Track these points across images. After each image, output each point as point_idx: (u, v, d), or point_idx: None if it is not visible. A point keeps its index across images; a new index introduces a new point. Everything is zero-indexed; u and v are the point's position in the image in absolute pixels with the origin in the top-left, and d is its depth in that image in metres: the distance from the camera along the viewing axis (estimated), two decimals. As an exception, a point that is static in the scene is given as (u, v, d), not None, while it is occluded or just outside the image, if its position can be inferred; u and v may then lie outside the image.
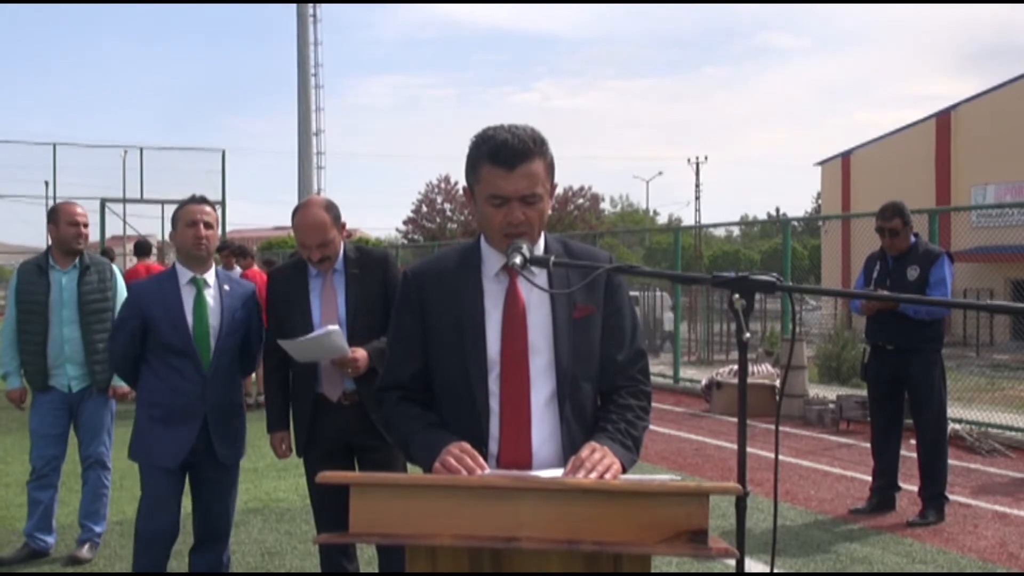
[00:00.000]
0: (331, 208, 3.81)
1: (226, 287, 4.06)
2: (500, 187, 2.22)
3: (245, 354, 4.16)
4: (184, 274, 4.00)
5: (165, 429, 3.91)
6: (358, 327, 3.73)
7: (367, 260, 3.87)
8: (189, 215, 3.98)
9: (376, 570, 4.04)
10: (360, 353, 3.67)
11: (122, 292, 5.12)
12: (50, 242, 5.20)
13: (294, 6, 27.87)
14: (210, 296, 4.00)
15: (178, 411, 3.92)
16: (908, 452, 6.62)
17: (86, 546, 5.23)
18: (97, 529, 5.30)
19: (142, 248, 12.44)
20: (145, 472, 4.02)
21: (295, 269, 3.91)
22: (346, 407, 3.79)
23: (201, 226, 3.98)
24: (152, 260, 12.54)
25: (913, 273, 6.14)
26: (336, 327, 3.65)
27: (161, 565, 4.06)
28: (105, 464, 5.29)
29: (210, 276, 4.04)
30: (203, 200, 4.08)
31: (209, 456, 3.99)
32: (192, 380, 3.93)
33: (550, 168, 2.29)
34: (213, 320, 3.98)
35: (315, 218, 3.75)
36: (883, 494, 6.35)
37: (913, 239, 6.27)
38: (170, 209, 4.09)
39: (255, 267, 11.70)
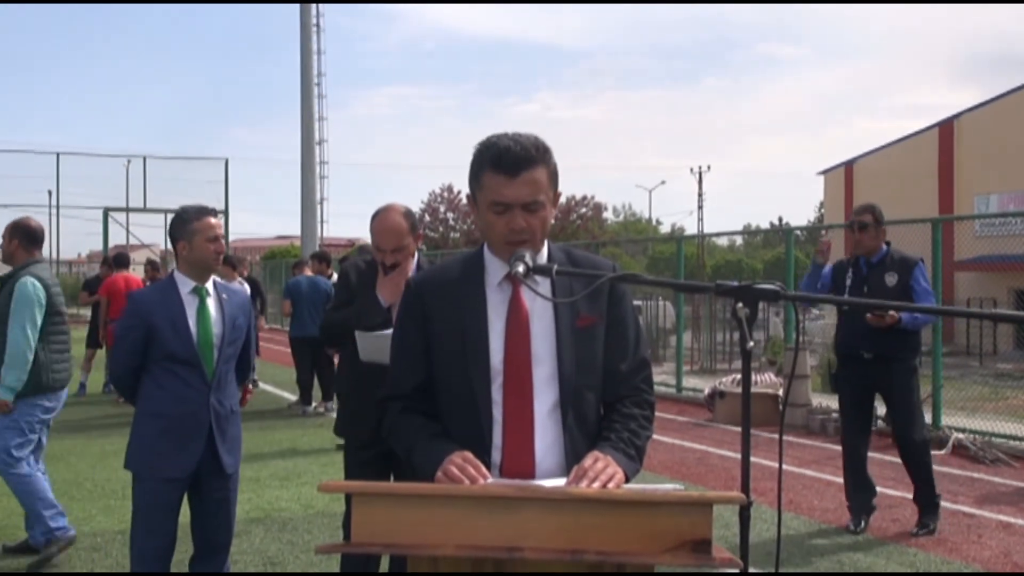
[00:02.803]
0: (409, 216, 3.89)
1: (224, 295, 4.10)
2: (502, 194, 2.22)
3: (242, 361, 4.20)
4: (186, 283, 4.01)
5: (173, 439, 3.91)
6: None
7: None
8: (211, 230, 4.01)
9: (386, 570, 4.03)
10: None
11: (20, 299, 5.15)
12: None
13: (298, 18, 27.96)
14: (212, 305, 4.04)
15: (185, 420, 3.92)
16: (897, 459, 6.53)
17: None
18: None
19: (121, 260, 12.53)
20: (145, 485, 3.96)
21: (368, 267, 3.98)
22: None
23: (220, 240, 4.07)
24: (130, 271, 12.62)
25: (891, 280, 6.10)
26: None
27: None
28: None
29: (209, 285, 4.07)
30: (214, 212, 4.15)
31: (213, 465, 3.99)
32: (198, 389, 3.95)
33: (553, 176, 2.29)
34: (216, 328, 4.01)
35: (393, 223, 3.81)
36: (868, 508, 6.24)
37: (885, 247, 6.24)
38: (174, 219, 4.16)
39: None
